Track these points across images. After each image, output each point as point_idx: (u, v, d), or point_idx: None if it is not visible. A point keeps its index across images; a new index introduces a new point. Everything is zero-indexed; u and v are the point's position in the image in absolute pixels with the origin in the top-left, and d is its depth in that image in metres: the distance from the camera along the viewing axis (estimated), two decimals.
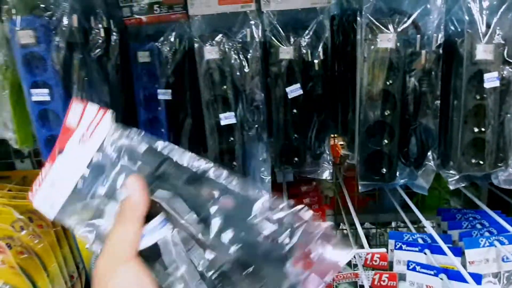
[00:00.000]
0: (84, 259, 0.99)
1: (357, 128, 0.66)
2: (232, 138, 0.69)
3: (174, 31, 0.76)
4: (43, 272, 0.90)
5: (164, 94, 0.77)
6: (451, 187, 0.62)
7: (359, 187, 0.65)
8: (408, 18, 0.57)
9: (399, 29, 0.57)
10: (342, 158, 1.07)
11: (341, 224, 1.04)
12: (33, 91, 0.64)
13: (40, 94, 0.64)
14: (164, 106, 0.78)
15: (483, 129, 0.57)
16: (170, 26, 0.77)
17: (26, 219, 0.90)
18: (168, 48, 0.76)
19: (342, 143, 1.04)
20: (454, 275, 0.63)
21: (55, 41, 0.63)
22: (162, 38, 0.76)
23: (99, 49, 0.70)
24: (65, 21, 0.64)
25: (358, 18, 0.62)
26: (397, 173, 0.64)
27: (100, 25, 0.70)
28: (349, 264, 0.76)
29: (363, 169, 0.63)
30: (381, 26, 0.57)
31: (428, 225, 0.70)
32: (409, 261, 0.68)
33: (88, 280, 1.01)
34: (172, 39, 0.76)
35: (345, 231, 0.95)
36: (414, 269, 0.67)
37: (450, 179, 0.62)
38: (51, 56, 0.64)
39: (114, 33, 0.73)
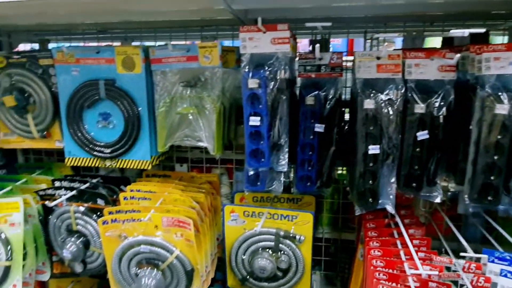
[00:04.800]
0: (226, 241, 1.27)
1: (470, 166, 0.93)
2: (373, 164, 0.98)
3: (333, 85, 1.09)
4: (202, 246, 1.21)
5: (319, 128, 1.09)
6: None
7: (470, 209, 0.92)
8: None
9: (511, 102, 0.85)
10: None
11: None
12: (251, 118, 0.98)
13: (254, 121, 0.98)
14: (317, 136, 1.09)
15: None
16: (329, 81, 1.10)
17: (197, 205, 1.22)
18: (327, 96, 1.08)
19: None
20: None
21: (270, 87, 0.97)
22: (324, 89, 1.09)
23: (287, 93, 1.03)
24: (277, 74, 0.98)
25: (478, 90, 0.91)
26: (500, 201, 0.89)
27: (287, 76, 1.04)
28: (448, 269, 1.00)
29: (475, 196, 0.90)
30: (498, 98, 0.86)
31: None
32: (502, 269, 0.91)
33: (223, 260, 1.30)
34: (331, 91, 1.08)
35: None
36: (505, 276, 0.91)
37: None
38: (266, 96, 0.97)
39: (292, 83, 1.07)
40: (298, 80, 1.15)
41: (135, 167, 1.28)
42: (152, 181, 1.38)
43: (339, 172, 1.47)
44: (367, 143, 0.98)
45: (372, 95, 0.97)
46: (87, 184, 1.33)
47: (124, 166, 1.28)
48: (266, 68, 0.98)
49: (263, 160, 1.01)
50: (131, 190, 1.30)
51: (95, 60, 1.22)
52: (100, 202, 1.27)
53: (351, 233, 1.43)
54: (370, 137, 0.97)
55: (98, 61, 1.22)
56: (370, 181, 1.00)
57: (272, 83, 0.97)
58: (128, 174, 1.50)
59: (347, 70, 1.29)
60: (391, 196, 1.01)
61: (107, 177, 1.43)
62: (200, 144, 1.14)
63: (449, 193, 1.36)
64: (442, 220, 1.25)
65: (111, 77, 1.22)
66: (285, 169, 1.02)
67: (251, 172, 1.04)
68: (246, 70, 0.97)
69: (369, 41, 1.24)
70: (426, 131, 0.97)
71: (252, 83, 0.96)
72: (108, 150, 1.27)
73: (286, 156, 1.02)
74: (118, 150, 1.26)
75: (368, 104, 0.96)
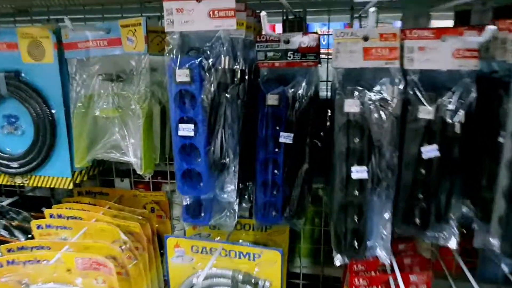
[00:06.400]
0: (171, 283, 0.98)
1: (501, 198, 0.62)
2: (360, 192, 0.68)
3: (305, 78, 0.78)
4: None
5: (285, 138, 0.78)
6: None
7: (504, 266, 0.61)
8: None
9: None
10: None
11: None
12: (181, 126, 0.67)
13: (186, 129, 0.67)
14: (283, 149, 0.79)
15: None
16: (300, 72, 0.79)
17: (127, 240, 0.93)
18: (296, 94, 0.78)
19: None
20: None
21: (207, 81, 0.67)
22: (292, 84, 0.78)
23: (236, 89, 0.73)
24: (217, 62, 0.67)
25: None
26: None
27: (237, 67, 0.73)
28: None
29: (509, 248, 0.60)
30: None
31: None
32: None
33: None
34: (302, 86, 0.77)
35: None
36: None
37: None
38: (202, 94, 0.67)
39: (247, 75, 0.77)
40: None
41: (51, 185, 0.98)
42: (82, 201, 1.08)
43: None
44: (348, 163, 0.67)
45: (356, 92, 0.67)
46: None
47: (39, 185, 0.99)
48: (202, 53, 0.67)
49: (200, 184, 0.71)
50: (51, 216, 1.01)
51: None
52: (4, 233, 0.97)
53: (336, 268, 1.13)
54: (354, 154, 0.67)
55: None
56: (355, 218, 0.70)
57: (212, 75, 0.67)
58: (59, 192, 1.20)
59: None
60: (384, 237, 0.71)
61: (26, 196, 1.13)
62: (125, 159, 0.84)
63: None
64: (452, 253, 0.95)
65: (14, 68, 0.92)
66: (232, 199, 0.72)
67: (188, 200, 0.74)
68: (173, 56, 0.67)
69: (358, 21, 0.94)
70: (435, 146, 0.67)
71: (181, 74, 0.66)
72: (16, 164, 0.97)
73: (234, 180, 0.72)
74: (29, 164, 0.97)
75: (351, 105, 0.66)
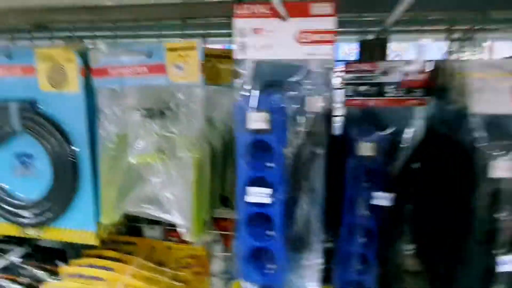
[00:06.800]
0: None
1: None
2: None
3: (408, 122, 0.59)
4: None
5: (381, 199, 0.59)
6: None
7: None
8: None
9: None
10: None
11: None
12: (251, 189, 0.48)
13: (260, 194, 0.48)
14: (378, 214, 0.60)
15: None
16: (402, 113, 0.60)
17: None
18: (397, 142, 0.58)
19: None
20: None
21: (293, 128, 0.48)
22: (390, 129, 0.59)
23: (324, 139, 0.54)
24: (307, 102, 0.49)
25: None
26: None
27: (328, 109, 0.54)
28: None
29: None
30: None
31: None
32: None
33: None
34: (405, 132, 0.58)
35: None
36: None
37: None
38: (282, 147, 0.48)
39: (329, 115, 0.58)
40: (338, 108, 0.66)
41: (71, 240, 0.80)
42: (105, 255, 0.89)
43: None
44: (493, 249, 0.47)
45: (507, 150, 0.47)
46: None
47: (56, 239, 0.81)
48: (285, 90, 0.49)
49: (271, 268, 0.51)
50: (70, 276, 0.82)
51: (5, 69, 0.76)
52: None
53: None
54: (503, 237, 0.47)
55: (10, 71, 0.75)
56: None
57: (298, 121, 0.48)
58: None
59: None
60: None
61: (39, 247, 0.95)
62: (167, 217, 0.65)
63: None
64: None
65: (30, 97, 0.75)
66: None
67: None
68: (246, 92, 0.48)
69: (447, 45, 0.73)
70: None
71: (257, 119, 0.47)
72: (28, 213, 0.79)
73: (318, 263, 0.52)
74: (45, 213, 0.79)
75: (502, 169, 0.46)
